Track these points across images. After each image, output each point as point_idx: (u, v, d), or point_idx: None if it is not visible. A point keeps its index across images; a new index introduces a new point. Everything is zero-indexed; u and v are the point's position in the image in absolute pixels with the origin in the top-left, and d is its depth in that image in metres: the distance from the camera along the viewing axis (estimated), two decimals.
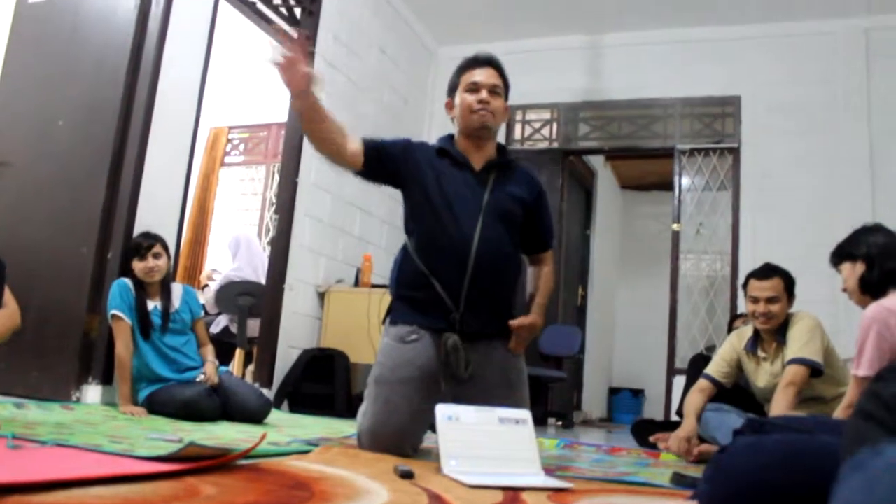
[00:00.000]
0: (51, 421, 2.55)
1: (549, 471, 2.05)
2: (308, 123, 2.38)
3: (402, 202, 2.56)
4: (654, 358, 6.88)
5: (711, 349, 5.66)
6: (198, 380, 3.33)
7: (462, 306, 2.37)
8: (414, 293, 2.43)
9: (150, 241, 3.44)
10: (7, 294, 2.31)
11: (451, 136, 2.60)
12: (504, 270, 2.46)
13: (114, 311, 3.30)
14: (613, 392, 8.84)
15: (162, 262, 3.44)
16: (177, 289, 3.57)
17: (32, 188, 3.76)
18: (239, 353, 4.98)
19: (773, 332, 3.20)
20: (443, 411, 1.95)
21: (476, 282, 2.37)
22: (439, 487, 1.67)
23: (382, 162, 2.47)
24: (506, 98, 2.57)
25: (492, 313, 2.45)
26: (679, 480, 2.11)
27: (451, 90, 2.57)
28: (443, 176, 2.46)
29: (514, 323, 2.46)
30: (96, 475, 1.39)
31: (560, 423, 5.94)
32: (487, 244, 2.38)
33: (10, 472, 1.41)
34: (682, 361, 5.58)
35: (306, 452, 2.14)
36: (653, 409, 7.81)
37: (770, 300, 3.15)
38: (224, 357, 4.47)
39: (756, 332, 3.27)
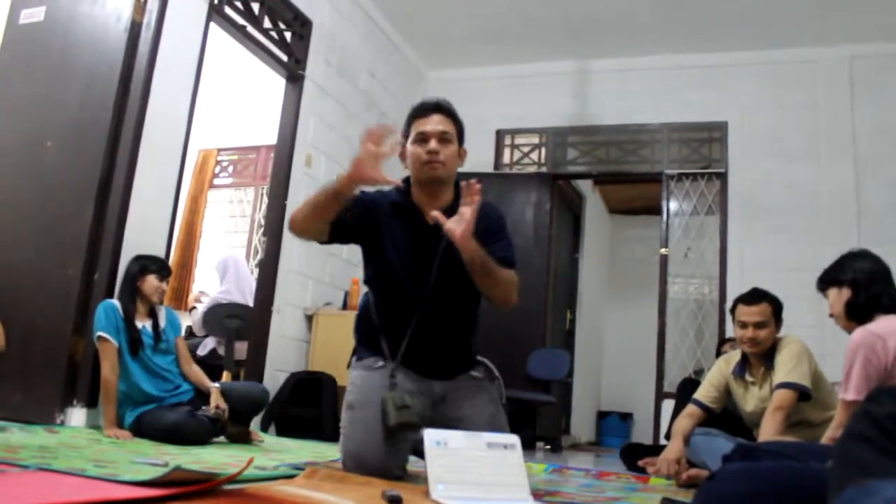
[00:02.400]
0: (34, 444, 2.52)
1: (537, 496, 2.03)
2: (322, 208, 2.28)
3: (361, 254, 2.54)
4: (642, 381, 6.87)
5: (700, 373, 5.66)
6: (211, 413, 3.32)
7: (399, 360, 2.39)
8: (370, 340, 2.49)
9: (168, 268, 3.62)
10: None
11: (408, 181, 2.52)
12: (457, 319, 2.48)
13: (100, 333, 3.27)
14: (602, 416, 8.82)
15: (166, 289, 3.60)
16: (161, 310, 3.58)
17: (19, 208, 3.74)
18: (226, 376, 4.94)
19: (762, 357, 3.20)
20: (431, 436, 1.94)
21: (418, 339, 2.39)
22: None
23: (345, 230, 2.40)
24: (460, 142, 2.49)
25: (440, 361, 2.46)
26: None
27: (404, 139, 2.50)
28: (397, 231, 2.43)
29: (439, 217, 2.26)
30: (79, 500, 1.37)
31: (548, 447, 5.91)
32: (439, 299, 2.38)
33: None
34: (670, 385, 5.58)
35: (293, 477, 2.12)
36: (642, 433, 7.80)
37: (758, 325, 3.15)
38: (211, 379, 4.44)
39: (744, 357, 3.28)
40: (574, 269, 7.85)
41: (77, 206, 3.59)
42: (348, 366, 2.58)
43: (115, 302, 3.38)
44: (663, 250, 5.98)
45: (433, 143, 2.38)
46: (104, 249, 3.56)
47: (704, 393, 3.34)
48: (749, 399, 3.26)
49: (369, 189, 2.38)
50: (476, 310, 2.55)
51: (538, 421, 5.92)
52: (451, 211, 2.32)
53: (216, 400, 3.40)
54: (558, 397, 6.28)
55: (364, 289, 2.62)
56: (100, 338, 3.28)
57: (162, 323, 3.51)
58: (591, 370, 8.55)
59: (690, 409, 3.32)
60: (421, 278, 2.38)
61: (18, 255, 3.67)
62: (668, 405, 5.15)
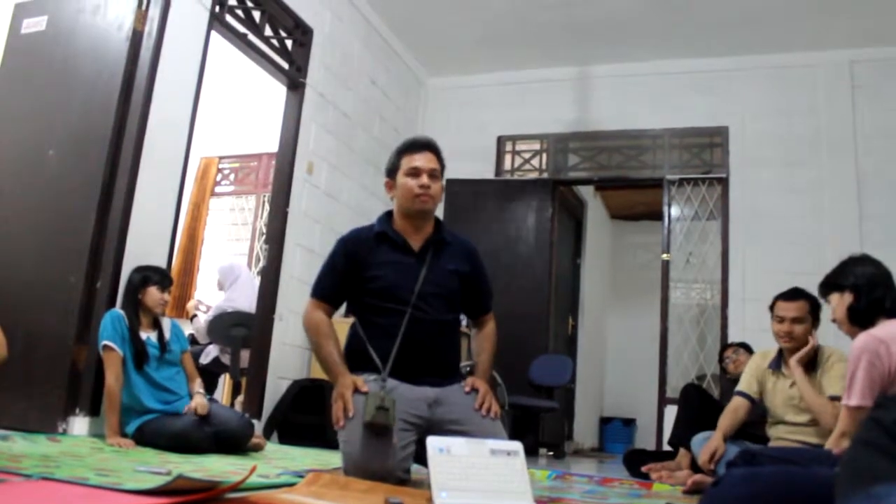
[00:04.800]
0: (36, 453, 2.52)
1: (540, 503, 2.03)
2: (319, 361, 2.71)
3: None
4: (645, 387, 6.87)
5: (702, 378, 5.66)
6: (185, 412, 3.30)
7: (391, 365, 2.51)
8: (360, 363, 2.58)
9: (170, 278, 3.58)
10: None
11: (389, 214, 2.73)
12: (438, 336, 2.61)
13: (105, 342, 3.26)
14: (605, 421, 8.80)
15: (169, 300, 3.56)
16: (165, 322, 3.56)
17: (22, 217, 3.74)
18: (229, 383, 4.94)
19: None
20: (433, 443, 1.93)
21: (406, 348, 2.51)
22: None
23: (340, 296, 2.73)
24: (442, 178, 2.71)
25: (429, 366, 2.58)
26: None
27: (391, 171, 2.69)
28: (382, 255, 2.62)
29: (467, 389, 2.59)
30: None
31: (551, 453, 5.90)
32: (420, 318, 2.54)
33: None
34: (673, 391, 5.57)
35: (295, 484, 2.11)
36: (644, 439, 7.78)
37: (795, 320, 3.20)
38: (209, 386, 4.43)
39: (780, 353, 3.31)
40: (576, 274, 7.85)
41: (79, 215, 3.59)
42: None
43: (121, 312, 3.38)
44: (665, 255, 5.97)
45: (425, 178, 2.60)
46: (106, 257, 3.56)
47: (747, 385, 3.37)
48: (778, 391, 3.27)
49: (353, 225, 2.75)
50: (457, 323, 2.77)
51: (541, 427, 5.92)
52: (431, 241, 2.65)
53: (198, 404, 3.35)
54: (561, 403, 6.28)
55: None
56: (105, 347, 3.27)
57: (167, 334, 3.50)
58: (593, 376, 8.54)
59: (737, 402, 3.33)
60: (406, 290, 2.55)
61: (21, 263, 3.67)
62: (671, 411, 5.13)
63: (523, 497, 1.91)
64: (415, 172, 2.60)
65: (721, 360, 4.59)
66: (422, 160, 2.63)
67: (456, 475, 1.88)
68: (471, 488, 1.87)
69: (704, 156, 6.07)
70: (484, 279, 2.81)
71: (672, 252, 5.97)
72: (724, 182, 5.90)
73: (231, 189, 7.38)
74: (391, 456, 2.36)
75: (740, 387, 3.39)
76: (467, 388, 2.58)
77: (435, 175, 2.63)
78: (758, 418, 3.41)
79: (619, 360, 9.06)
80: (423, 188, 2.58)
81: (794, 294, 3.29)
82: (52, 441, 2.98)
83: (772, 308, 3.36)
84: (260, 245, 6.68)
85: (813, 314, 3.24)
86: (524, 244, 6.21)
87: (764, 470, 1.41)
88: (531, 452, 5.27)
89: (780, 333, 3.24)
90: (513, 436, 2.44)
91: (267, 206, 6.51)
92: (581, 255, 7.97)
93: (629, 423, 8.66)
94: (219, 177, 7.35)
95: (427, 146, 2.68)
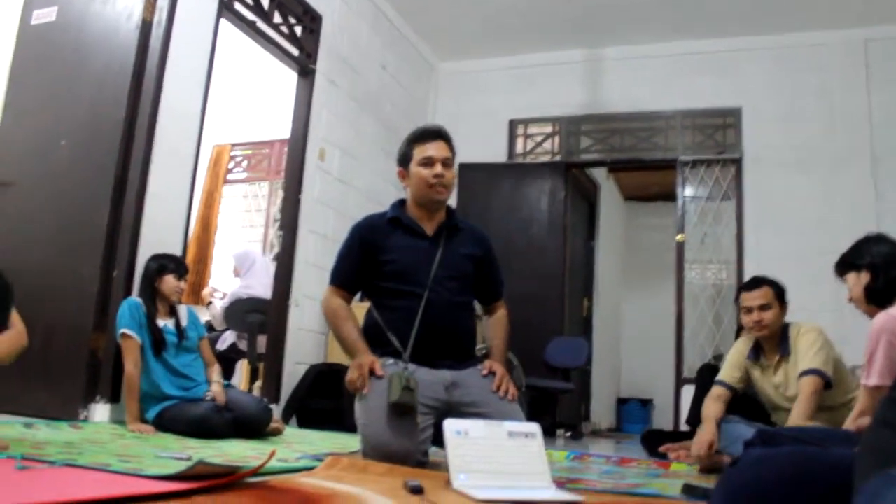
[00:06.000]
0: (59, 440, 2.55)
1: (559, 483, 2.04)
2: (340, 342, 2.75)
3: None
4: (661, 367, 6.87)
5: (719, 358, 5.63)
6: (206, 398, 3.34)
7: (409, 352, 2.53)
8: (378, 348, 2.60)
9: (185, 265, 3.63)
10: (14, 315, 2.31)
11: (402, 202, 2.77)
12: (455, 318, 2.66)
13: (123, 330, 3.30)
14: (622, 402, 8.81)
15: (185, 287, 3.60)
16: (182, 309, 3.59)
17: (36, 208, 3.77)
18: (246, 369, 4.98)
19: (774, 343, 3.25)
20: (451, 426, 1.94)
21: (424, 331, 2.54)
22: (449, 502, 1.66)
23: (358, 282, 2.74)
24: (454, 165, 2.74)
25: (447, 349, 2.60)
26: (690, 491, 2.10)
27: (404, 160, 2.71)
28: (397, 240, 2.66)
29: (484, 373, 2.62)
30: (105, 496, 1.39)
31: (569, 434, 5.92)
32: (437, 300, 2.57)
33: (19, 493, 1.41)
34: (689, 371, 5.57)
35: (314, 468, 2.13)
36: (662, 419, 7.79)
37: (762, 308, 3.22)
38: (226, 372, 4.46)
39: (757, 342, 3.30)
40: (590, 256, 7.84)
41: (93, 205, 3.61)
42: None
43: (139, 299, 3.41)
44: (679, 237, 5.95)
45: (439, 167, 2.64)
46: (121, 247, 3.58)
47: (728, 374, 3.37)
48: (765, 382, 3.28)
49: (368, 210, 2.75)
50: (471, 306, 2.80)
51: (558, 408, 5.93)
52: (445, 226, 2.70)
53: (217, 392, 3.39)
54: (578, 385, 6.29)
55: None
56: (123, 335, 3.30)
57: (184, 322, 3.54)
58: (609, 357, 8.54)
59: (717, 391, 3.34)
60: (422, 272, 2.59)
61: (37, 254, 3.69)
62: (688, 391, 5.13)
63: (542, 478, 1.93)
64: (428, 162, 2.63)
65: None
66: (434, 149, 2.65)
67: (474, 457, 1.89)
68: (489, 470, 1.88)
69: (718, 137, 6.03)
70: (496, 266, 2.85)
71: (686, 233, 5.95)
72: (737, 163, 5.86)
73: (244, 176, 7.40)
74: (414, 436, 2.38)
75: (721, 377, 3.40)
76: (484, 371, 2.60)
77: (448, 163, 2.66)
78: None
79: (635, 341, 9.06)
80: (437, 177, 2.61)
81: (755, 283, 3.32)
82: (74, 428, 3.01)
83: (737, 301, 3.39)
84: (274, 231, 6.70)
85: (779, 299, 3.26)
86: (538, 227, 6.20)
87: (782, 450, 1.41)
88: (549, 434, 5.28)
89: (750, 324, 3.26)
90: (530, 417, 2.44)
91: (280, 193, 6.52)
92: (595, 236, 7.95)
93: (646, 403, 8.67)
94: (231, 164, 7.36)
95: (438, 134, 2.70)
